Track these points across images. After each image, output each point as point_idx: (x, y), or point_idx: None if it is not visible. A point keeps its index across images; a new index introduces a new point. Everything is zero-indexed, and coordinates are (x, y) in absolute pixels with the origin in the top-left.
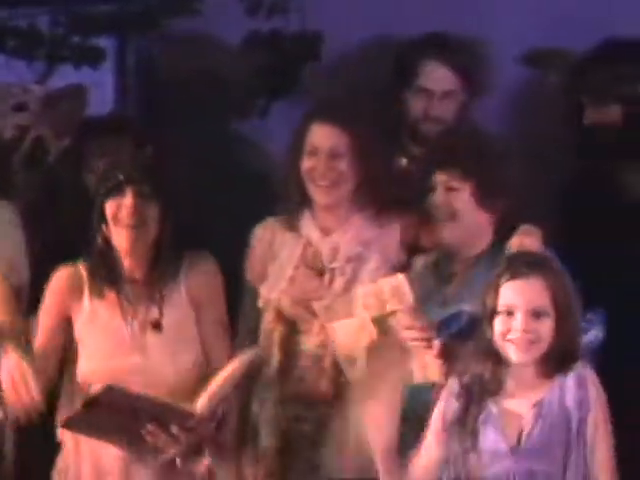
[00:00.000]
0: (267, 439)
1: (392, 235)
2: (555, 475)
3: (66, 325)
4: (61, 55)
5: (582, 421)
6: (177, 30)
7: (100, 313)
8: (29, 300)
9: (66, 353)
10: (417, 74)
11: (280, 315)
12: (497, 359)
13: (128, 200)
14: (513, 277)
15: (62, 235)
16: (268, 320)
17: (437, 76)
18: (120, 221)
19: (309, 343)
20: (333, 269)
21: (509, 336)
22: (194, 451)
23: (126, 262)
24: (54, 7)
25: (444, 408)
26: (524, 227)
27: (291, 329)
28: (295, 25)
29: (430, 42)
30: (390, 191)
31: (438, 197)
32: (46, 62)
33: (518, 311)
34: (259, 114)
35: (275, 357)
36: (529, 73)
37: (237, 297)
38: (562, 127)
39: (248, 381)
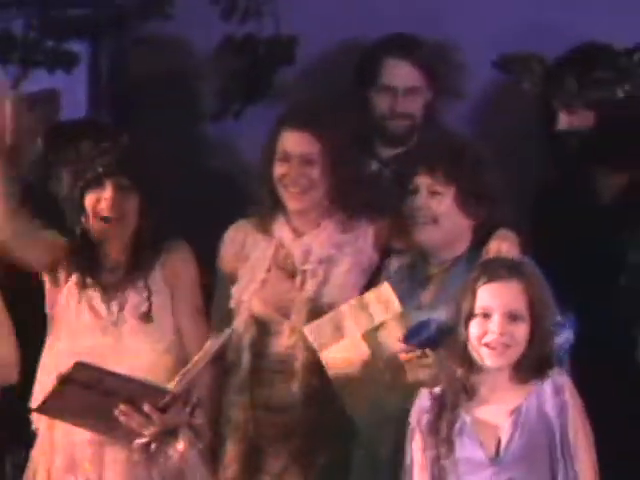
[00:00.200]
0: (233, 443)
1: (364, 238)
2: None
3: None
4: (34, 59)
5: (563, 427)
6: (151, 34)
7: (81, 296)
8: None
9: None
10: (380, 72)
11: (251, 317)
12: (470, 364)
13: (107, 193)
14: (491, 280)
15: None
16: (239, 322)
17: (399, 72)
18: (99, 213)
19: (280, 345)
20: (305, 271)
21: (485, 339)
22: (168, 435)
23: (105, 252)
24: (27, 11)
25: (414, 426)
26: (501, 232)
27: (262, 331)
28: (269, 29)
29: (392, 41)
30: (361, 195)
31: (420, 200)
32: (19, 66)
33: (495, 313)
34: (234, 117)
35: (245, 360)
36: (502, 78)
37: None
38: (535, 132)
39: (222, 380)
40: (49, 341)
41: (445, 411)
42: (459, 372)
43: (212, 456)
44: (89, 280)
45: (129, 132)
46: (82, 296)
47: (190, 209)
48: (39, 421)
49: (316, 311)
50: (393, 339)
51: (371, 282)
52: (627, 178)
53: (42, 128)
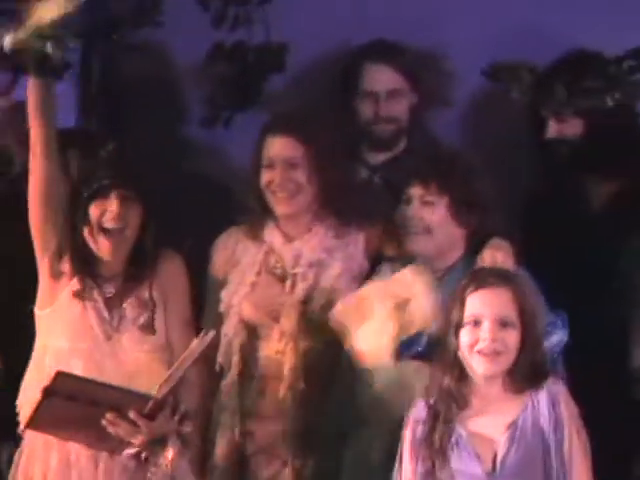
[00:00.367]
0: (222, 449)
1: (355, 245)
2: None
3: None
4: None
5: (559, 441)
6: (141, 42)
7: (85, 297)
8: None
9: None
10: (362, 78)
11: (241, 321)
12: (462, 374)
13: (113, 204)
14: (480, 287)
15: (23, 245)
16: (228, 326)
17: (380, 77)
18: (104, 224)
19: (269, 349)
20: (295, 274)
21: (477, 347)
22: (157, 444)
23: (107, 261)
24: (16, 17)
25: (408, 435)
26: (495, 241)
27: (252, 335)
28: (259, 36)
29: (373, 47)
30: (350, 199)
31: (413, 210)
32: (10, 73)
33: (485, 320)
34: (224, 125)
35: (235, 364)
36: (492, 86)
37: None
38: (524, 140)
39: (212, 384)
40: (42, 339)
41: (438, 423)
42: (449, 382)
43: (202, 463)
44: (92, 283)
45: (121, 139)
46: (86, 297)
47: (180, 216)
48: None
49: (306, 315)
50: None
51: None
52: (617, 186)
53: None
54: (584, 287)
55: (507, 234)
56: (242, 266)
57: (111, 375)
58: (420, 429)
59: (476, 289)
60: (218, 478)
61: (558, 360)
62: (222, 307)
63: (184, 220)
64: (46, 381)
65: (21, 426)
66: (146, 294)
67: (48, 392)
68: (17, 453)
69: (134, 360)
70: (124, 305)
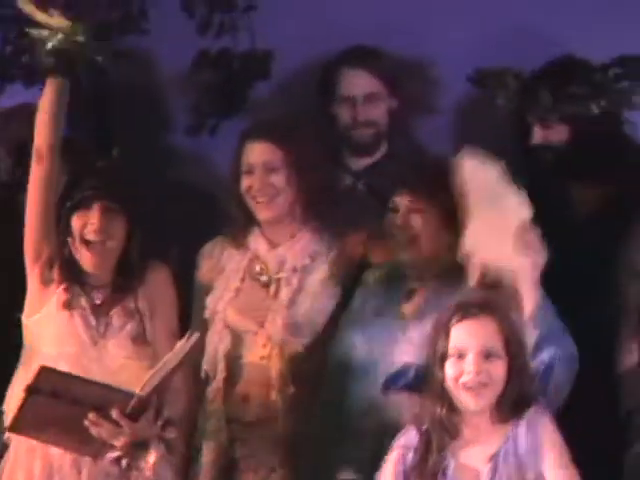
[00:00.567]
0: (209, 455)
1: (340, 249)
2: None
3: None
4: (11, 74)
5: (538, 467)
6: (127, 49)
7: (72, 304)
8: None
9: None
10: (340, 83)
11: (226, 327)
12: (450, 405)
13: (94, 216)
14: (464, 318)
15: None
16: (213, 332)
17: (357, 82)
18: (85, 236)
19: (254, 355)
20: (279, 279)
21: (461, 380)
22: (140, 449)
23: (92, 273)
24: (4, 25)
25: (396, 460)
26: None
27: (237, 341)
28: (245, 44)
29: (350, 52)
30: (332, 203)
31: (401, 218)
32: None
33: (470, 352)
34: (209, 133)
35: (220, 370)
36: (477, 92)
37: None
38: (509, 147)
39: (197, 391)
40: (30, 346)
41: (431, 451)
42: (440, 413)
43: (187, 469)
44: (79, 291)
45: (107, 148)
46: (73, 304)
47: (164, 224)
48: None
49: (291, 320)
50: None
51: (346, 295)
52: (602, 193)
53: (19, 142)
54: (568, 293)
55: None
56: (227, 273)
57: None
58: (411, 456)
59: (460, 320)
60: None
61: (549, 374)
62: (207, 313)
63: (170, 228)
64: (30, 378)
65: (6, 432)
66: (132, 304)
67: (32, 389)
68: (2, 462)
69: (120, 366)
70: (111, 313)
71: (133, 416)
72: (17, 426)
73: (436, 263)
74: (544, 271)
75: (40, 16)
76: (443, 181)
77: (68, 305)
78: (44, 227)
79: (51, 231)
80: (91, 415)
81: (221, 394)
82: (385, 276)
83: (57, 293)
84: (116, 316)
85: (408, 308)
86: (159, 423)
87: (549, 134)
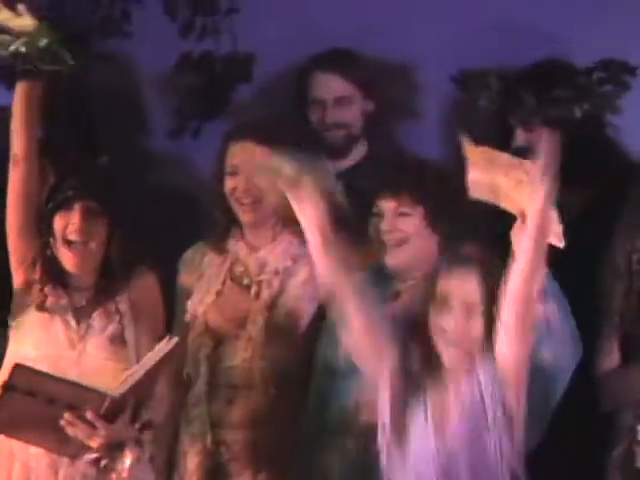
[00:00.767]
0: (193, 458)
1: None
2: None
3: None
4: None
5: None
6: (109, 52)
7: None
8: None
9: None
10: (311, 86)
11: (207, 330)
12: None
13: (75, 217)
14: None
15: None
16: (195, 335)
17: (327, 84)
18: (67, 237)
19: (236, 358)
20: (260, 281)
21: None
22: (117, 450)
23: (74, 274)
24: None
25: None
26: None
27: (218, 344)
28: (227, 47)
29: (324, 56)
30: None
31: (387, 223)
32: None
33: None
34: (192, 136)
35: (202, 373)
36: (459, 94)
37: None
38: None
39: (180, 395)
40: (12, 349)
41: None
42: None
43: (171, 473)
44: (61, 293)
45: (89, 150)
46: (53, 306)
47: (146, 228)
48: None
49: (272, 321)
50: None
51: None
52: (584, 196)
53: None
54: None
55: (478, 240)
56: (207, 276)
57: None
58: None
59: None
60: None
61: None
62: (188, 317)
63: (151, 231)
64: (5, 375)
65: None
66: (113, 307)
67: (7, 386)
68: None
69: (99, 368)
70: (93, 315)
71: (109, 417)
72: None
73: (426, 263)
74: None
75: (4, 15)
76: (426, 183)
77: (44, 307)
78: (26, 230)
79: (34, 233)
80: (67, 415)
81: (204, 397)
82: (370, 278)
83: (37, 294)
84: (98, 318)
85: (395, 309)
86: (136, 425)
87: (532, 137)
